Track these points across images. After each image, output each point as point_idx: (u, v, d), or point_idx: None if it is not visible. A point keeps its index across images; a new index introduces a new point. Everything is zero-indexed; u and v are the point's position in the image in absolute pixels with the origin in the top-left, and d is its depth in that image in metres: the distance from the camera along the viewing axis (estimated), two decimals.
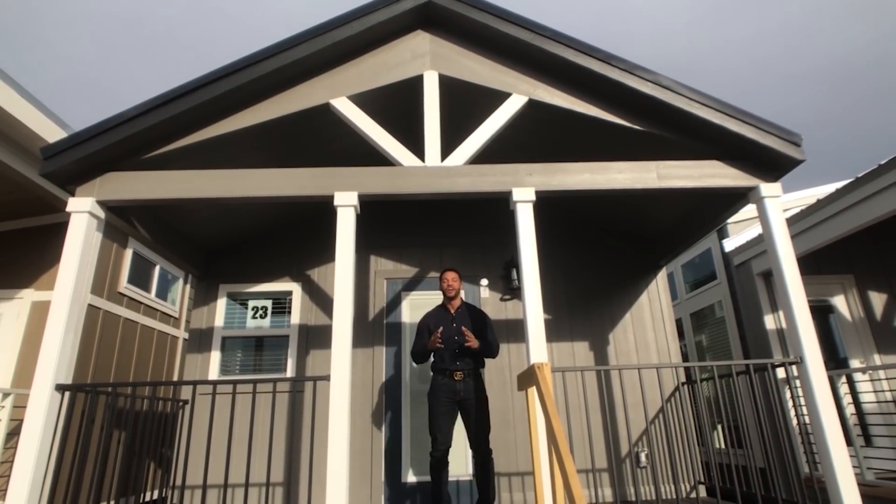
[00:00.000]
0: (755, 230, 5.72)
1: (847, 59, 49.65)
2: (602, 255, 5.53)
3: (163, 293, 6.94)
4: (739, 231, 6.21)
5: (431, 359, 4.12)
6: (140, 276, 6.36)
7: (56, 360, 3.26)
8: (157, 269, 6.77)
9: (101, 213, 3.66)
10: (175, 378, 7.05)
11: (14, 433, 4.40)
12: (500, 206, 3.87)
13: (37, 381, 3.21)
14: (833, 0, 49.20)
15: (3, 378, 4.77)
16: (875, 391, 5.16)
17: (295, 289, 5.28)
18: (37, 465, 3.07)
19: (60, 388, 3.27)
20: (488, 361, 4.15)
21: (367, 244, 5.31)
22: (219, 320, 5.15)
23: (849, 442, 3.89)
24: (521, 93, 3.86)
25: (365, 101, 3.88)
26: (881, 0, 47.40)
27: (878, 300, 5.80)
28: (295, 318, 5.18)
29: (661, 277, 5.47)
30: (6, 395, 4.47)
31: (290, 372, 4.99)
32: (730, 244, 6.24)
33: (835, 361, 5.58)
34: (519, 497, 4.65)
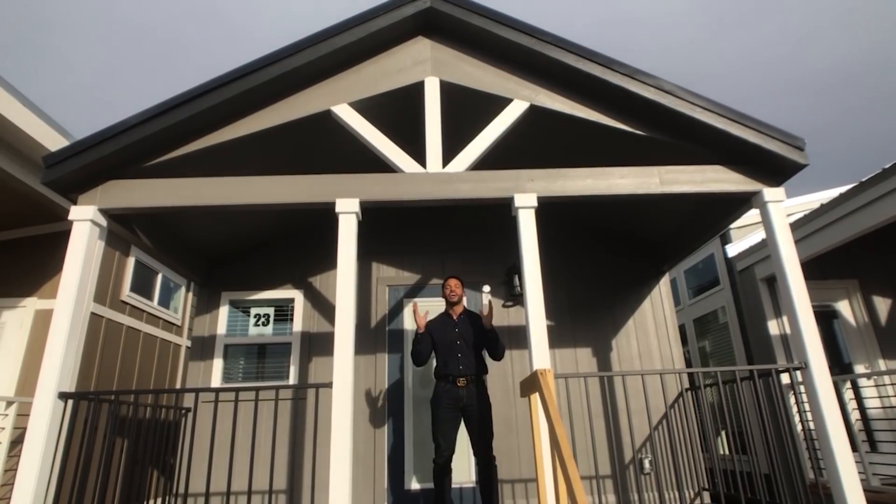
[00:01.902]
0: (758, 235, 5.70)
1: (850, 65, 49.64)
2: (604, 261, 5.51)
3: (165, 301, 6.94)
4: (742, 236, 6.19)
5: (433, 363, 4.11)
6: (142, 285, 6.36)
7: (59, 368, 3.26)
8: (159, 278, 6.77)
9: (103, 221, 3.67)
10: (177, 386, 7.04)
11: (18, 441, 4.39)
12: (502, 212, 3.87)
13: (40, 390, 3.22)
14: (835, 6, 49.27)
15: (7, 386, 4.77)
16: (880, 396, 5.13)
17: (297, 296, 5.28)
18: (40, 472, 3.07)
19: (63, 397, 3.27)
20: (491, 368, 4.14)
21: (368, 251, 5.31)
22: (221, 328, 5.15)
23: (854, 448, 3.86)
24: (522, 98, 3.87)
25: (366, 107, 3.89)
26: (883, 6, 47.46)
27: (882, 305, 5.78)
28: (297, 325, 5.17)
29: (664, 283, 5.46)
30: (10, 403, 4.47)
31: (292, 379, 4.98)
32: (733, 249, 6.22)
33: (839, 367, 5.54)
34: None
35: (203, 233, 4.90)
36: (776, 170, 3.74)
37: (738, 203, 3.98)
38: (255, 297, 5.28)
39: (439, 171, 3.76)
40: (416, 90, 3.94)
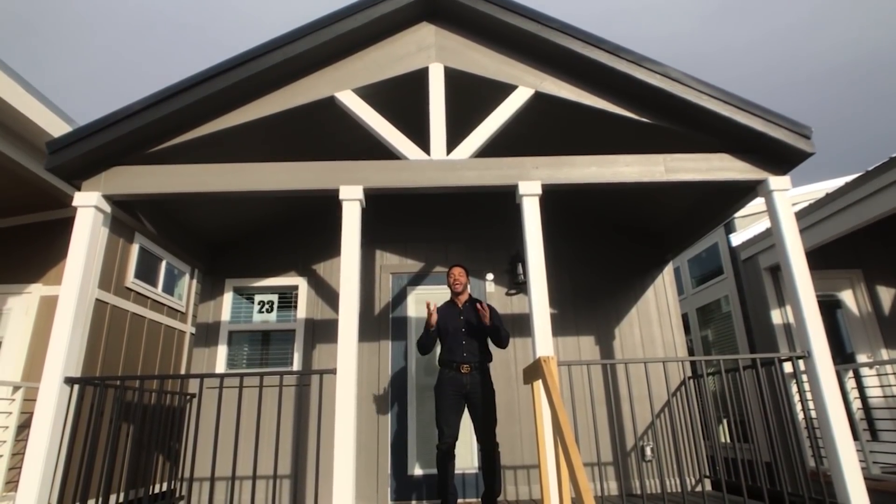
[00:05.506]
0: (762, 224, 5.69)
1: (858, 59, 49.15)
2: (608, 250, 5.51)
3: (169, 288, 6.96)
4: (747, 226, 6.18)
5: (437, 350, 4.13)
6: (147, 271, 6.38)
7: (65, 353, 3.28)
8: (163, 264, 6.79)
9: (107, 208, 3.67)
10: (182, 372, 7.09)
11: (25, 426, 4.44)
12: (505, 200, 3.86)
13: (46, 375, 3.24)
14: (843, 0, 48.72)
15: (14, 372, 4.81)
16: (882, 386, 5.14)
17: (301, 283, 5.29)
18: (47, 456, 3.10)
19: (70, 382, 3.29)
20: (494, 355, 4.15)
21: (372, 238, 5.32)
22: (225, 315, 5.17)
23: (855, 436, 3.88)
24: (527, 85, 3.84)
25: (370, 94, 3.86)
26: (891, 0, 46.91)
27: (886, 295, 5.77)
28: (301, 312, 5.19)
29: (668, 272, 5.45)
30: (17, 388, 4.51)
31: (296, 366, 5.01)
32: (737, 239, 6.21)
33: (841, 356, 5.56)
34: (524, 490, 4.67)
35: (207, 220, 4.90)
36: (782, 158, 3.71)
37: (743, 192, 3.95)
38: (259, 284, 5.29)
39: (443, 159, 3.74)
40: (421, 77, 3.91)
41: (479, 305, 3.94)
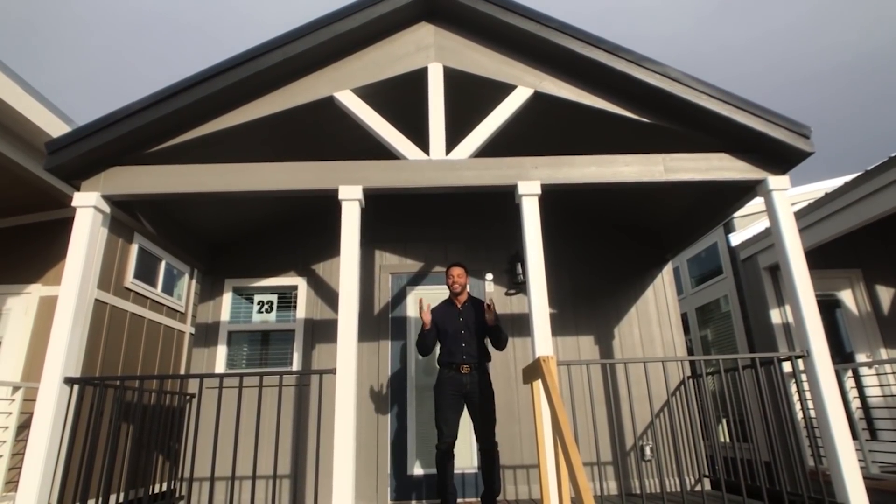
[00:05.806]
0: (762, 224, 5.69)
1: (858, 59, 49.16)
2: (607, 250, 5.51)
3: (169, 288, 6.96)
4: (746, 225, 6.18)
5: (437, 351, 4.13)
6: (146, 272, 6.38)
7: (64, 353, 3.28)
8: (162, 265, 6.79)
9: (107, 208, 3.67)
10: (182, 372, 7.09)
11: (25, 426, 4.44)
12: (505, 199, 3.86)
13: (46, 375, 3.24)
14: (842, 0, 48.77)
15: (13, 372, 4.80)
16: (881, 385, 5.15)
17: (300, 283, 5.29)
18: (47, 456, 3.10)
19: (69, 382, 3.29)
20: (493, 355, 4.16)
21: (372, 238, 5.32)
22: (225, 315, 5.17)
23: (854, 436, 3.88)
24: (526, 85, 3.84)
25: (369, 94, 3.86)
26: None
27: (885, 294, 5.77)
28: (300, 312, 5.19)
29: (667, 271, 5.45)
30: (17, 388, 4.51)
31: (296, 366, 5.01)
32: (736, 238, 6.21)
33: (841, 356, 5.56)
34: (524, 489, 4.67)
35: (206, 220, 4.90)
36: (781, 158, 3.72)
37: (742, 191, 3.95)
38: (259, 284, 5.30)
39: (443, 159, 3.74)
40: (420, 77, 3.91)
41: (486, 305, 3.95)
